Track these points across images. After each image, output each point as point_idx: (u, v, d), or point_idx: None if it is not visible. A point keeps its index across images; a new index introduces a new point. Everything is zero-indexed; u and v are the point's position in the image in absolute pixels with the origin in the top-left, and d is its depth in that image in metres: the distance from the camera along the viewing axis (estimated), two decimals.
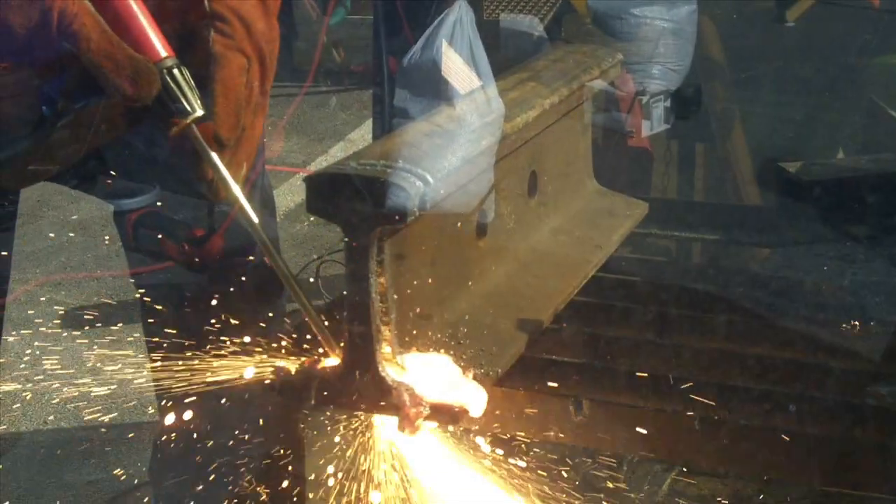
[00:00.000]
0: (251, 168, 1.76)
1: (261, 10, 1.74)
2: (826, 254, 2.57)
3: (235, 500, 2.37)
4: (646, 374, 1.86)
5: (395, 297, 1.60)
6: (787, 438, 1.69)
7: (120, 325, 5.20)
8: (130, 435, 4.33)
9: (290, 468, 1.95)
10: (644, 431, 1.76)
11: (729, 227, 2.84)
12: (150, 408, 4.39)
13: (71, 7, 1.50)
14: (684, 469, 1.96)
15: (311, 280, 5.22)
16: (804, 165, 2.89)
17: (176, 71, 1.58)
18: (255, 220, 1.62)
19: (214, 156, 1.62)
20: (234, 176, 1.64)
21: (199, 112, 1.60)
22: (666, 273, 2.41)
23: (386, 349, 1.60)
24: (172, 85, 1.58)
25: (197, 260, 2.15)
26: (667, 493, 1.91)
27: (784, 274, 2.52)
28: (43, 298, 5.42)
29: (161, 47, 1.57)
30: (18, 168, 1.62)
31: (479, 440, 1.77)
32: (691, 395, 1.79)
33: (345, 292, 1.60)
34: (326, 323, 1.64)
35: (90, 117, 1.60)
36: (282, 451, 1.97)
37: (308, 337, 1.70)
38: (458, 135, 1.75)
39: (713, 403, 1.77)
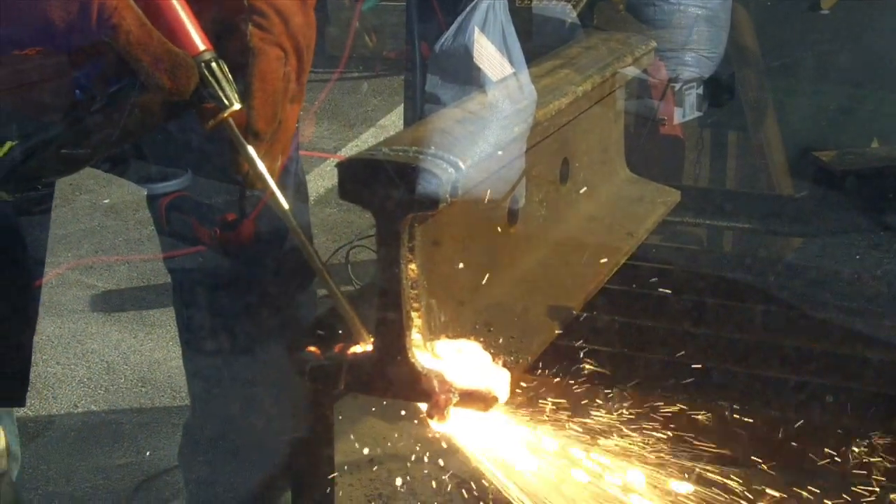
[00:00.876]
0: (286, 158, 1.76)
1: (298, 4, 1.74)
2: (860, 244, 2.56)
3: (264, 485, 2.38)
4: (676, 363, 1.86)
5: (426, 283, 1.60)
6: (822, 430, 1.68)
7: (151, 308, 5.23)
8: (161, 418, 4.35)
9: (319, 452, 1.96)
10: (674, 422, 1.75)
11: (762, 217, 2.83)
12: (181, 391, 4.41)
13: (110, 1, 1.50)
14: (715, 460, 1.95)
15: (348, 263, 5.23)
16: (838, 155, 2.87)
17: (214, 64, 1.58)
18: (288, 210, 1.62)
19: (251, 149, 1.62)
20: (270, 168, 1.65)
21: (237, 106, 1.60)
22: (698, 262, 2.40)
23: (416, 336, 1.59)
24: (210, 78, 1.58)
25: (228, 244, 2.16)
26: (695, 483, 1.90)
27: (817, 264, 2.50)
28: (75, 282, 5.45)
29: (199, 40, 1.57)
30: (53, 153, 1.62)
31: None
32: (723, 386, 1.78)
33: (375, 278, 1.60)
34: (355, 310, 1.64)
35: (124, 102, 1.60)
36: (311, 436, 1.97)
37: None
38: (490, 121, 1.74)
39: (746, 394, 1.76)
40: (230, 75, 1.60)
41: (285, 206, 1.61)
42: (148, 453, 4.14)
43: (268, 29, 1.68)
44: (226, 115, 1.59)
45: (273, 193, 1.62)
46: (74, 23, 1.50)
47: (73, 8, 1.49)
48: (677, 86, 4.12)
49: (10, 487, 2.11)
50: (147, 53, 1.52)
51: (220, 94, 1.58)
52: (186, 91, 1.56)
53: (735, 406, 1.75)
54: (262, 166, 1.62)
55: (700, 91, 4.20)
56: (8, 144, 1.60)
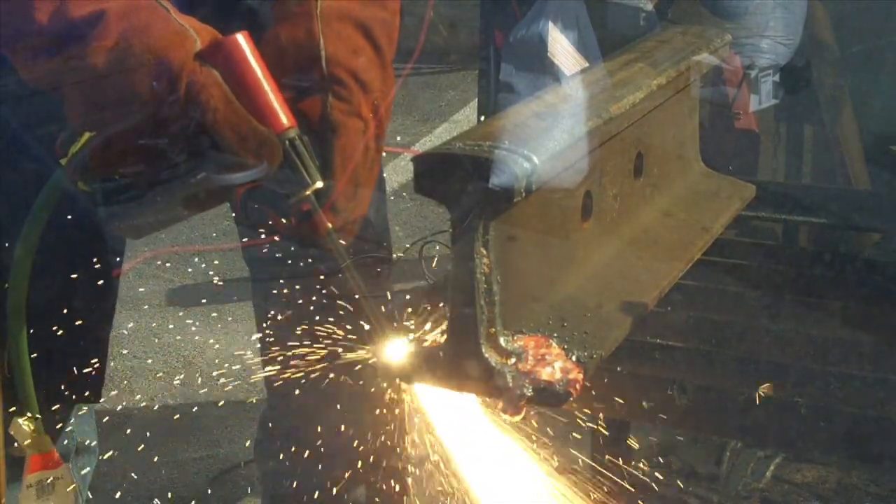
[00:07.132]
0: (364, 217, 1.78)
1: (377, 64, 1.73)
2: None
3: (340, 478, 2.39)
4: (752, 360, 1.84)
5: (500, 278, 1.60)
6: None
7: (228, 303, 5.27)
8: (237, 412, 4.39)
9: (392, 447, 1.97)
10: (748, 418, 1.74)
11: (839, 211, 2.79)
12: (257, 385, 4.44)
13: (199, 77, 1.51)
14: (789, 456, 1.94)
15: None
16: None
17: (297, 142, 1.59)
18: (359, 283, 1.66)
19: (330, 225, 1.64)
20: (349, 236, 1.67)
21: (319, 184, 1.61)
22: (774, 257, 2.37)
23: (489, 330, 1.59)
24: (294, 156, 1.59)
25: (303, 235, 2.17)
26: (770, 479, 1.88)
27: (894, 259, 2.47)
28: (152, 276, 5.51)
29: (284, 117, 1.58)
30: (130, 144, 1.63)
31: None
32: (799, 382, 1.77)
33: (449, 273, 1.61)
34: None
35: (199, 96, 1.61)
36: (385, 429, 1.98)
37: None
38: (564, 115, 1.74)
39: (822, 391, 1.74)
40: (312, 152, 1.61)
41: (358, 280, 1.65)
42: (224, 447, 4.18)
43: (347, 99, 1.68)
44: (308, 192, 1.61)
45: (348, 266, 1.64)
46: (163, 98, 1.51)
47: (162, 84, 1.50)
48: (753, 73, 4.08)
49: None
50: (233, 132, 1.53)
51: (304, 171, 1.60)
52: (270, 169, 1.57)
53: (808, 403, 1.74)
54: (339, 243, 1.64)
55: (776, 79, 4.16)
56: (86, 136, 1.62)
